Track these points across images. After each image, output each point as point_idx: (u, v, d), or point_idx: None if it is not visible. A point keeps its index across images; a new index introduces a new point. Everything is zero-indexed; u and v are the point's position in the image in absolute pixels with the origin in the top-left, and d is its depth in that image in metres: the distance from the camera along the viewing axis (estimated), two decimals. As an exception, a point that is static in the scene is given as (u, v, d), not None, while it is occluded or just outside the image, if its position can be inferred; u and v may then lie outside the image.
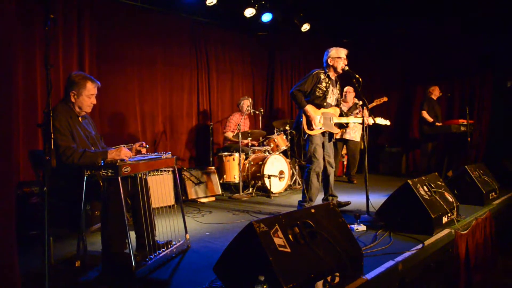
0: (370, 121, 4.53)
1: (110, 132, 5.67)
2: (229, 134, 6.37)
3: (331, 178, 4.55)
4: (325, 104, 4.41)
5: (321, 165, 4.37)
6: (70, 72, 3.09)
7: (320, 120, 4.36)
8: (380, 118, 4.59)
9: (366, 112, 4.45)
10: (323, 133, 4.43)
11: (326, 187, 4.59)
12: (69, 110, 2.96)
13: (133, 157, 2.91)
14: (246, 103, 6.41)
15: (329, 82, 4.40)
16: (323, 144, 4.45)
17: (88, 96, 2.99)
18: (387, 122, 4.63)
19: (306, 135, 4.35)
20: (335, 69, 4.39)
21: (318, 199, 4.60)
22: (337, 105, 4.60)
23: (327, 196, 4.58)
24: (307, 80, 4.34)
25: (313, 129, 4.32)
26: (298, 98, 4.33)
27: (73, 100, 2.96)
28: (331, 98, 4.49)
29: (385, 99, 6.10)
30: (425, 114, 6.72)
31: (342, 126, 4.68)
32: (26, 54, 4.68)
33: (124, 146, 2.92)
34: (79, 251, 2.91)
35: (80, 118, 3.05)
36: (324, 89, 4.36)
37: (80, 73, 3.06)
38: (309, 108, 4.32)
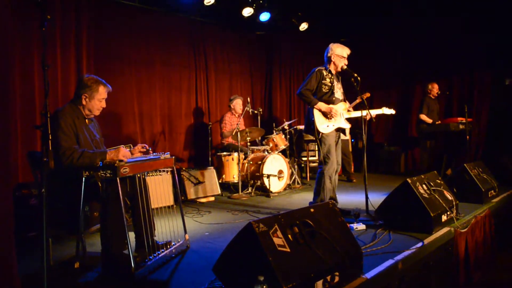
0: (374, 113, 4.47)
1: (109, 133, 5.64)
2: (227, 132, 6.35)
3: (335, 178, 4.40)
4: (334, 99, 4.30)
5: (335, 166, 4.25)
6: (82, 75, 3.15)
7: (336, 113, 4.23)
8: (385, 107, 4.53)
9: (351, 108, 4.38)
10: (336, 130, 4.32)
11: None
12: (77, 111, 2.98)
13: (132, 157, 2.90)
14: (239, 102, 6.39)
15: (332, 77, 4.35)
16: (336, 142, 4.34)
17: (99, 100, 3.03)
18: (392, 111, 4.57)
19: (320, 135, 4.22)
20: (335, 67, 4.36)
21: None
22: (344, 99, 4.49)
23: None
24: (311, 78, 4.25)
25: (327, 124, 4.21)
26: (307, 96, 4.21)
27: (84, 102, 2.98)
28: (338, 93, 4.39)
29: (368, 94, 6.09)
30: (423, 117, 6.69)
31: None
32: (24, 55, 4.68)
33: (123, 147, 2.92)
34: (78, 252, 2.90)
35: (87, 121, 3.06)
36: (330, 84, 4.28)
37: (92, 76, 3.08)
38: (321, 103, 4.21)
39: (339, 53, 4.31)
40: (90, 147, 2.95)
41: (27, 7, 4.66)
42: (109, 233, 2.69)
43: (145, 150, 3.17)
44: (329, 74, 4.31)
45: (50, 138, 2.14)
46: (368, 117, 4.23)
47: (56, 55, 4.97)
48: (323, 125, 4.24)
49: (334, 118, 4.23)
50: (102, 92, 3.03)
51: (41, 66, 2.53)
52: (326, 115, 4.23)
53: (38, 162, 3.17)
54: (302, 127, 7.27)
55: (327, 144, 4.23)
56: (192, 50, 6.91)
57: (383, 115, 4.62)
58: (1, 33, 1.84)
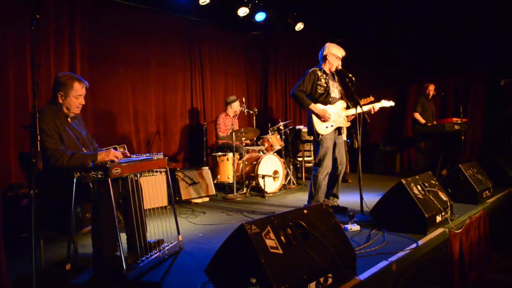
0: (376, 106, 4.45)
1: (103, 133, 5.61)
2: (222, 134, 6.34)
3: (340, 177, 4.45)
4: (330, 99, 4.29)
5: (329, 169, 4.25)
6: (57, 73, 3.04)
7: (330, 116, 4.22)
8: (384, 100, 4.52)
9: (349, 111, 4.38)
10: (335, 130, 4.31)
11: (332, 185, 4.44)
12: (56, 111, 2.91)
13: (124, 158, 2.88)
14: (238, 105, 6.36)
15: (327, 77, 4.34)
16: (335, 143, 4.32)
17: (75, 96, 2.94)
18: (391, 103, 4.56)
19: (320, 137, 4.19)
20: (330, 66, 4.34)
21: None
22: (342, 97, 4.47)
23: (328, 195, 4.47)
24: (305, 80, 4.23)
25: (326, 125, 4.18)
26: (300, 97, 4.19)
27: (60, 101, 2.92)
28: (335, 92, 4.38)
29: (372, 98, 6.12)
30: (417, 116, 6.72)
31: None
32: (17, 55, 4.63)
33: (112, 149, 2.89)
34: (70, 254, 2.87)
35: (69, 119, 3.01)
36: (325, 84, 4.26)
37: (67, 73, 3.01)
38: (315, 105, 4.19)
39: (335, 53, 4.30)
40: (75, 145, 2.91)
41: (20, 6, 4.61)
42: (101, 235, 2.67)
43: (126, 153, 3.13)
44: (324, 75, 4.30)
45: (39, 139, 2.12)
46: (376, 109, 4.32)
47: (49, 54, 4.92)
48: (322, 126, 4.20)
49: (332, 119, 4.21)
50: (77, 89, 2.93)
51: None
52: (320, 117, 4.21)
53: (28, 163, 3.14)
54: (298, 127, 7.26)
55: (324, 147, 4.20)
56: (187, 50, 6.87)
57: (380, 112, 4.60)
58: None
